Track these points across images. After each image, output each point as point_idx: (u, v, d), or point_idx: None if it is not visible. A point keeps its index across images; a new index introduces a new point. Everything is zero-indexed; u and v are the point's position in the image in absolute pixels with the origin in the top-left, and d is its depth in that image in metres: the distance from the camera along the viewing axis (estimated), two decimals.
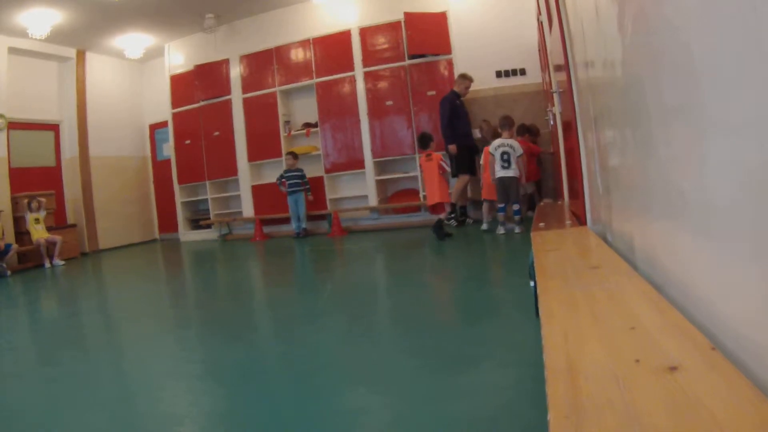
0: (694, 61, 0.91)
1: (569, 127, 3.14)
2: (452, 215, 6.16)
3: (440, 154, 6.04)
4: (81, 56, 8.69)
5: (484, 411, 1.62)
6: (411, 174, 7.51)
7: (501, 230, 5.47)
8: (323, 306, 3.42)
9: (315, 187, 7.74)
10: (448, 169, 5.89)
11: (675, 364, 0.80)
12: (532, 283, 1.84)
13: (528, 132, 6.65)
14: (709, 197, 0.92)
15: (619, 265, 1.55)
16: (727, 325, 0.90)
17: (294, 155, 7.65)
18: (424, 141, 6.01)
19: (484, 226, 5.85)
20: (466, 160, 6.39)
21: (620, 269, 1.50)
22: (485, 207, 5.93)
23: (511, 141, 5.52)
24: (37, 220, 7.23)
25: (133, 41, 8.63)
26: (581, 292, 1.31)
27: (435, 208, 5.87)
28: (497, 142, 5.52)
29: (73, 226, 8.29)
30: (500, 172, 5.45)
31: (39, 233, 7.17)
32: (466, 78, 6.70)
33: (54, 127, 8.59)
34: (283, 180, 7.59)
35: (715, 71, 0.82)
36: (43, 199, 7.41)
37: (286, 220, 7.83)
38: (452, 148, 6.14)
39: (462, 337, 2.38)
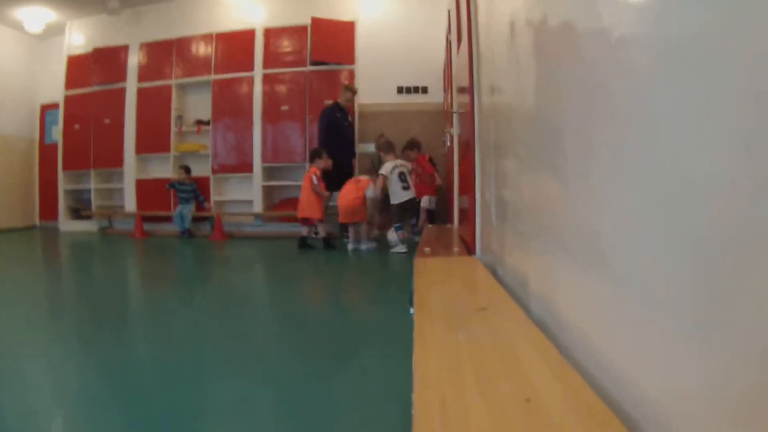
0: (613, 96, 0.84)
1: (467, 150, 2.98)
2: (316, 233, 5.88)
3: (317, 168, 5.79)
4: None
5: None
6: (299, 183, 7.21)
7: (403, 249, 5.25)
8: (191, 319, 3.06)
9: (200, 187, 7.37)
10: (316, 182, 5.66)
11: None
12: (412, 311, 1.67)
13: (418, 147, 6.38)
14: (628, 246, 0.80)
15: (511, 309, 1.35)
16: (640, 401, 0.74)
17: (187, 169, 7.27)
18: (311, 155, 6.08)
19: (350, 247, 5.63)
20: (334, 179, 5.89)
21: (512, 314, 1.29)
22: (351, 231, 5.68)
23: (401, 161, 5.57)
24: None
25: (35, 14, 8.10)
26: (466, 344, 1.05)
27: (304, 221, 5.87)
28: (390, 164, 5.41)
29: None
30: (402, 195, 5.34)
31: None
32: (348, 89, 6.37)
33: None
34: (174, 189, 7.27)
35: (638, 107, 0.75)
36: None
37: (168, 218, 7.41)
38: (328, 163, 5.84)
39: (333, 362, 2.18)
